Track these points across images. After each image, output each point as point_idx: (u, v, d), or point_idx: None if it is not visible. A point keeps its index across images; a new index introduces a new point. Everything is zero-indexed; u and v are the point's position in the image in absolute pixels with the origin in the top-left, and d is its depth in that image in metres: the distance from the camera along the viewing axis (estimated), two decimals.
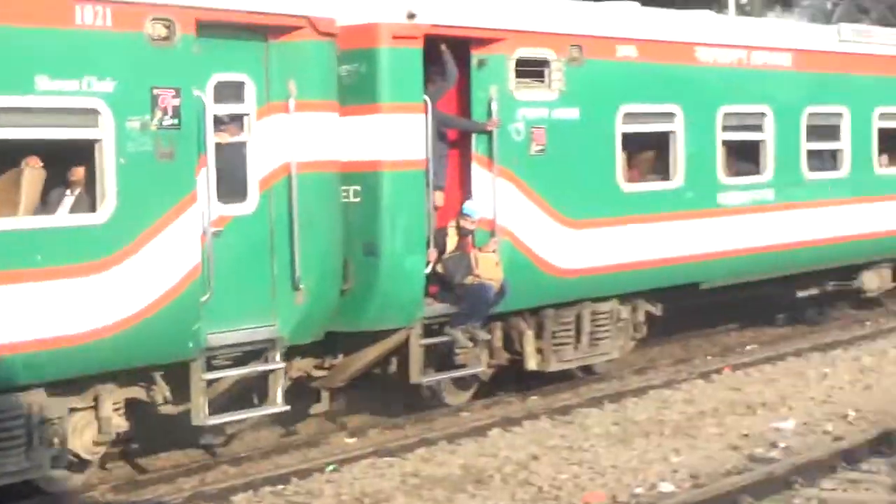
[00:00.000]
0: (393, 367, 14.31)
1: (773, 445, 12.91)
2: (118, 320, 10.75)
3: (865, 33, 20.38)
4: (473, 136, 14.34)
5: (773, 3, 39.46)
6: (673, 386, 16.01)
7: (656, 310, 17.03)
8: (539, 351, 15.24)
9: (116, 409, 11.29)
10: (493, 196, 14.15)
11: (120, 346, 10.82)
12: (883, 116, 19.95)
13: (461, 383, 14.90)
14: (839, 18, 39.47)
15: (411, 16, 13.29)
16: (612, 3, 16.87)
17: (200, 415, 11.62)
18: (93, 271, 10.55)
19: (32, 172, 10.85)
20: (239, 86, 12.19)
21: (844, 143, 19.31)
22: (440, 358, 14.18)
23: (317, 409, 13.99)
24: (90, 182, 10.83)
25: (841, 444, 12.60)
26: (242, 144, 12.22)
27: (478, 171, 14.27)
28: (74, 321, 10.41)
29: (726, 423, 13.95)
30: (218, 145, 11.72)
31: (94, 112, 10.55)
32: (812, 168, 18.68)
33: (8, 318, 9.91)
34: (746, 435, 13.40)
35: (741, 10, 40.13)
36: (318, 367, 13.69)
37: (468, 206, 13.91)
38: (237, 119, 12.20)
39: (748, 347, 19.45)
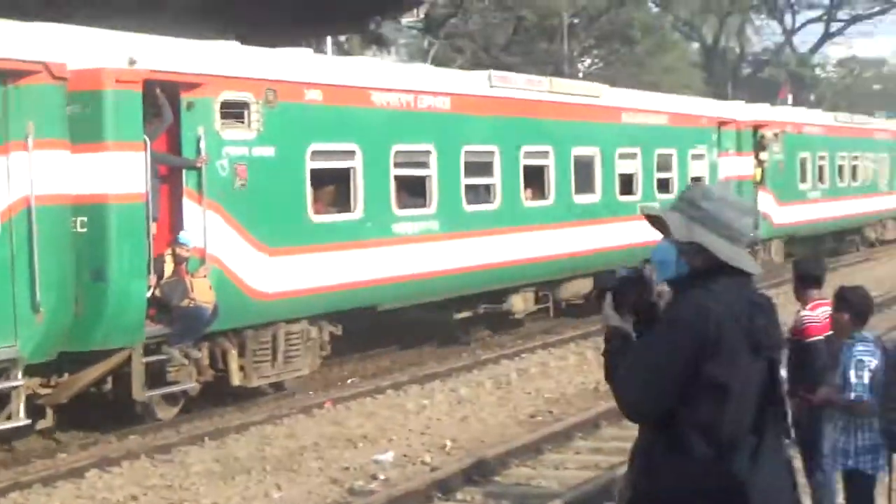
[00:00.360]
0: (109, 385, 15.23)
1: (373, 478, 13.06)
2: None
3: (509, 80, 22.28)
4: (184, 171, 15.41)
5: (370, 42, 41.07)
6: (274, 421, 15.77)
7: (337, 330, 18.30)
8: (241, 368, 16.35)
9: None
10: (204, 226, 15.31)
11: None
12: (527, 154, 21.83)
13: (171, 399, 15.83)
14: (435, 56, 41.81)
15: (132, 62, 14.36)
16: (299, 50, 18.49)
17: None
18: None
19: None
20: None
21: (496, 179, 21.04)
22: (153, 375, 15.18)
23: (42, 424, 14.64)
24: None
25: (436, 474, 12.76)
26: None
27: (188, 204, 15.41)
28: None
29: (327, 457, 13.94)
30: None
31: None
32: (470, 201, 20.39)
33: None
34: (347, 468, 13.48)
35: (339, 49, 41.82)
36: (43, 385, 14.38)
37: (183, 236, 15.12)
38: None
39: (350, 381, 19.30)
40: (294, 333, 17.23)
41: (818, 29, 71.92)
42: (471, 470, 12.79)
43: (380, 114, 18.44)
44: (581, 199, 23.42)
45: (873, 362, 8.14)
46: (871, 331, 8.63)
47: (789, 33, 71.37)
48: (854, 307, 8.42)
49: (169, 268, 15.08)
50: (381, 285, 18.42)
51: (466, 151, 20.37)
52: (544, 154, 22.48)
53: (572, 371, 19.13)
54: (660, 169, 26.56)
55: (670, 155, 27.12)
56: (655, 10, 57.01)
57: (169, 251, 15.17)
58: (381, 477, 13.10)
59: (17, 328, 13.28)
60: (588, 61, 56.14)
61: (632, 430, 13.81)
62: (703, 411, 4.76)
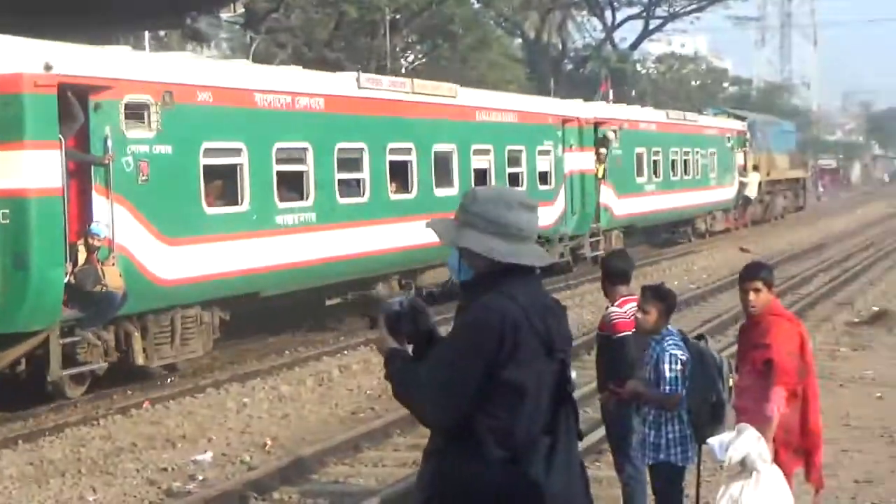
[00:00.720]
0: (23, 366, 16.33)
1: (192, 479, 12.87)
2: None
3: (376, 81, 23.88)
4: (93, 167, 16.61)
5: (188, 38, 40.33)
6: (90, 422, 15.49)
7: (225, 315, 19.43)
8: (144, 350, 17.54)
9: None
10: (111, 218, 16.56)
11: None
12: (392, 151, 23.42)
13: (79, 378, 16.91)
14: (256, 51, 41.94)
15: (48, 67, 15.60)
16: (189, 55, 19.86)
17: None
18: None
19: None
20: None
21: (365, 174, 22.53)
22: (64, 357, 16.29)
23: None
24: None
25: (253, 473, 12.63)
26: None
27: (97, 198, 16.65)
28: None
29: (144, 458, 13.69)
30: None
31: None
32: (343, 195, 21.86)
33: None
34: (165, 469, 13.28)
35: (160, 44, 41.78)
36: None
37: (95, 226, 16.26)
38: None
39: (169, 380, 18.73)
40: (189, 318, 18.43)
41: (638, 26, 74.45)
42: (289, 469, 12.72)
43: (263, 114, 19.87)
44: (441, 192, 24.86)
45: (684, 356, 8.37)
46: (674, 325, 8.79)
47: (610, 30, 73.30)
48: (660, 303, 8.57)
49: (82, 256, 16.23)
50: (264, 273, 19.69)
51: (339, 149, 21.87)
52: (407, 150, 24.11)
53: None
54: (511, 164, 28.48)
55: (520, 151, 29.11)
56: (477, 5, 57.64)
57: (81, 241, 16.30)
58: (200, 477, 12.95)
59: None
60: (411, 57, 56.33)
61: None
62: (498, 414, 4.69)
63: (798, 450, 8.51)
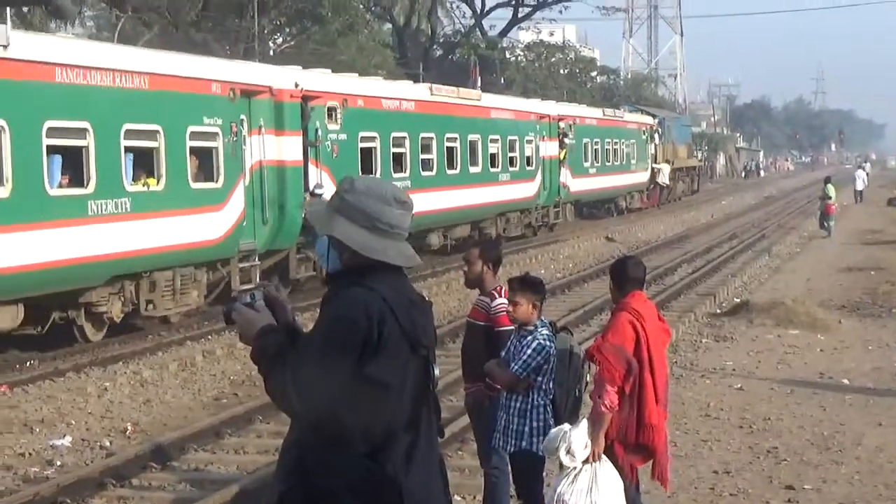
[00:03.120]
0: None
1: (49, 464, 12.73)
2: None
3: (439, 90, 33.14)
4: (310, 147, 25.23)
5: (51, 15, 39.38)
6: None
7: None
8: None
9: None
10: (320, 179, 25.63)
11: None
12: (448, 139, 33.14)
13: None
14: (122, 31, 41.27)
15: (297, 85, 24.52)
16: (353, 77, 30.11)
17: None
18: None
19: None
20: None
21: (433, 155, 32.17)
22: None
23: None
24: None
25: (111, 460, 12.46)
26: None
27: (312, 168, 25.50)
28: None
29: (1, 443, 13.53)
30: None
31: None
32: (424, 168, 31.56)
33: None
34: (23, 454, 13.12)
35: (23, 22, 40.64)
36: None
37: (317, 188, 25.09)
38: None
39: (28, 364, 18.40)
40: None
41: (508, 14, 74.69)
42: (149, 455, 12.56)
43: (386, 114, 29.26)
44: (473, 169, 34.92)
45: (552, 348, 8.47)
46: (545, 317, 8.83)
47: (479, 17, 73.59)
48: (530, 293, 8.58)
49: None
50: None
51: (422, 136, 32.37)
52: (454, 139, 33.54)
53: None
54: (510, 150, 38.32)
55: (515, 140, 38.90)
56: None
57: (308, 194, 24.99)
58: (58, 463, 12.82)
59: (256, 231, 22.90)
60: (280, 39, 55.94)
61: None
62: (361, 410, 4.63)
63: (635, 446, 8.45)
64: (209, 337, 20.64)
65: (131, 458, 12.50)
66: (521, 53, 77.57)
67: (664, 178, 60.56)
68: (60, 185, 18.45)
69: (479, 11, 73.50)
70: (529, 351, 8.40)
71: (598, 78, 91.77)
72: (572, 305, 24.20)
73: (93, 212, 18.68)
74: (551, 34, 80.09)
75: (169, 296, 20.90)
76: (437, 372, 4.98)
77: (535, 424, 8.51)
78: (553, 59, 79.48)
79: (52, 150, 18.11)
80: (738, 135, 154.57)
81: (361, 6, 57.66)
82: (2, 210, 16.96)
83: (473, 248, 9.48)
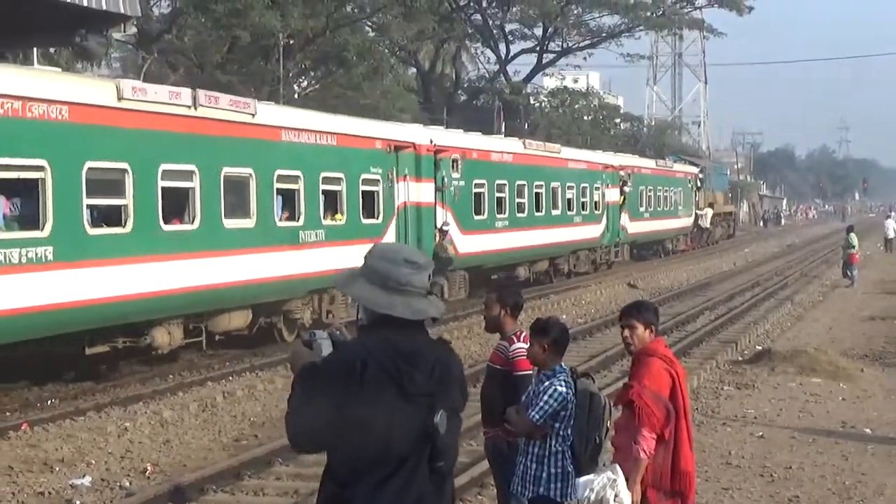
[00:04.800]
0: None
1: (68, 503, 12.89)
2: None
3: (531, 144, 39.61)
4: (437, 191, 30.51)
5: (78, 56, 40.97)
6: None
7: None
8: None
9: None
10: (446, 218, 31.58)
11: None
12: (536, 186, 38.89)
13: None
14: (147, 72, 41.35)
15: (431, 141, 30.18)
16: (471, 135, 34.92)
17: None
18: None
19: None
20: None
21: (525, 199, 38.27)
22: None
23: None
24: None
25: (132, 500, 12.55)
26: None
27: (439, 209, 30.71)
28: None
29: (21, 482, 13.55)
30: None
31: None
32: (519, 210, 37.33)
33: None
34: (42, 493, 13.20)
35: (49, 61, 40.75)
36: None
37: (444, 226, 30.75)
38: None
39: (49, 402, 18.53)
40: None
41: (532, 59, 74.89)
42: (168, 496, 12.59)
43: (496, 165, 34.11)
44: (539, 213, 38.95)
45: (568, 394, 8.36)
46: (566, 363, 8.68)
47: (503, 62, 73.83)
48: (548, 338, 8.49)
49: (438, 237, 30.50)
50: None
51: (517, 184, 37.24)
52: (540, 186, 39.16)
53: (279, 394, 18.89)
54: (582, 195, 44.09)
55: (586, 187, 44.68)
56: (372, 34, 57.61)
57: (438, 230, 30.73)
58: (77, 503, 12.89)
59: None
60: (305, 82, 56.06)
61: None
62: (346, 443, 5.16)
63: (669, 492, 8.39)
64: (230, 378, 20.65)
65: (151, 498, 12.49)
66: (546, 99, 77.61)
67: (706, 222, 66.35)
68: (281, 220, 23.56)
69: (503, 57, 73.64)
70: (546, 397, 8.32)
71: (621, 125, 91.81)
72: (593, 351, 24.14)
73: (302, 240, 23.98)
74: (575, 80, 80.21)
75: (343, 308, 25.60)
76: (437, 419, 5.27)
77: (553, 471, 8.44)
78: (577, 106, 79.54)
79: (278, 192, 23.25)
80: (761, 182, 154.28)
81: (386, 50, 57.84)
82: (251, 237, 22.37)
83: (491, 293, 9.38)
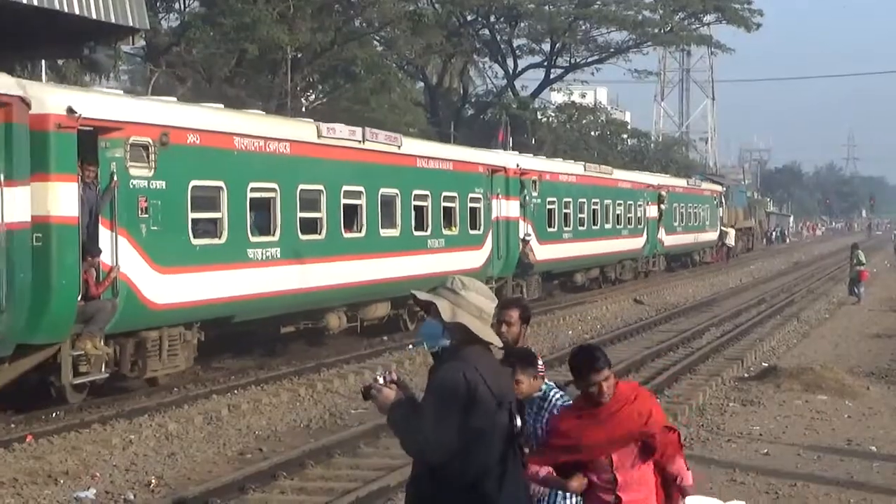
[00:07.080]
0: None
1: None
2: None
3: (592, 167, 43.12)
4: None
5: (86, 69, 41.96)
6: None
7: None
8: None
9: None
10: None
11: None
12: (594, 203, 43.41)
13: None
14: (156, 85, 41.42)
15: (517, 165, 32.48)
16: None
17: None
18: None
19: None
20: None
21: (586, 214, 42.81)
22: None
23: None
24: None
25: None
26: None
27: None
28: None
29: (25, 494, 13.51)
30: None
31: None
32: (587, 223, 40.74)
33: None
34: None
35: (57, 74, 40.82)
36: None
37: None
38: None
39: (54, 415, 18.30)
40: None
41: (540, 74, 75.03)
42: None
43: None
44: (595, 226, 43.76)
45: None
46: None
47: (511, 77, 73.93)
48: (529, 368, 7.63)
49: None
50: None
51: (578, 201, 40.60)
52: (596, 204, 44.12)
53: (284, 408, 18.99)
54: (630, 211, 49.21)
55: (632, 203, 49.63)
56: (380, 48, 57.63)
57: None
58: None
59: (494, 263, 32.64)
60: (312, 96, 56.08)
61: (338, 471, 14.56)
62: (464, 449, 6.20)
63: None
64: (235, 391, 20.58)
65: None
66: (553, 115, 77.64)
67: (731, 240, 71.57)
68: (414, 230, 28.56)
69: (511, 72, 73.82)
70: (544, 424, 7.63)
71: (628, 140, 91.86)
72: None
73: (429, 246, 29.45)
74: (583, 96, 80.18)
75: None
76: (518, 421, 6.52)
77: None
78: (584, 121, 79.62)
79: (414, 208, 28.68)
80: (768, 199, 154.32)
81: (394, 65, 57.85)
82: (397, 243, 27.70)
83: (512, 310, 8.06)
